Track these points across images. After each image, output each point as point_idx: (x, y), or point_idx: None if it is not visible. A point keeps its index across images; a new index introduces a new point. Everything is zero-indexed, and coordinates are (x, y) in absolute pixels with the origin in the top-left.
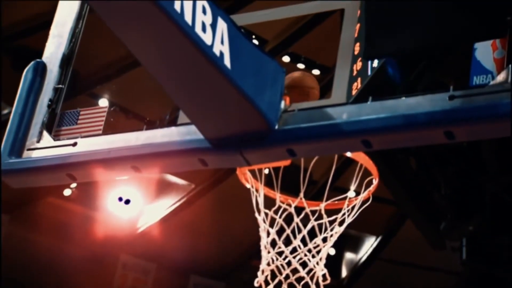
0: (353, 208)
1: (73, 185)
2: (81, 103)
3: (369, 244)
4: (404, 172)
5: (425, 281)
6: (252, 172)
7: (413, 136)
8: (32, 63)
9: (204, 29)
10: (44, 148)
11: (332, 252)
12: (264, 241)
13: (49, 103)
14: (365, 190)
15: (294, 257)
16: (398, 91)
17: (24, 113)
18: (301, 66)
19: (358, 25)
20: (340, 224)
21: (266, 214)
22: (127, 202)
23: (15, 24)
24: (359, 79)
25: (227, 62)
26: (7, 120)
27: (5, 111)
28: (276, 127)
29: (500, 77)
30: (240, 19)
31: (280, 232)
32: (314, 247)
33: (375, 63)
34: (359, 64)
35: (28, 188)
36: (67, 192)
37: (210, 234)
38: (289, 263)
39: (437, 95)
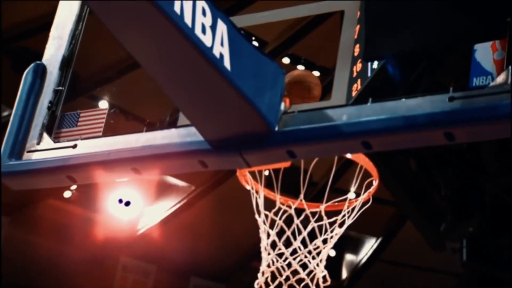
0: (353, 209)
1: (73, 187)
2: (81, 105)
3: (369, 245)
4: (404, 173)
5: (425, 282)
6: (252, 173)
7: (413, 137)
8: (32, 65)
9: (204, 30)
10: (44, 150)
11: (333, 253)
12: (264, 243)
13: (49, 105)
14: (365, 191)
15: (294, 259)
16: (398, 92)
17: (24, 115)
18: (301, 67)
19: (358, 26)
20: (340, 225)
21: (266, 216)
22: (127, 204)
23: (15, 26)
24: (359, 81)
25: (227, 63)
26: (7, 122)
27: (5, 113)
28: (276, 128)
29: (500, 79)
30: (240, 21)
31: (280, 233)
32: (314, 249)
33: (375, 64)
34: (359, 66)
35: (28, 190)
36: (67, 194)
37: (210, 236)
38: (289, 265)
39: (437, 96)
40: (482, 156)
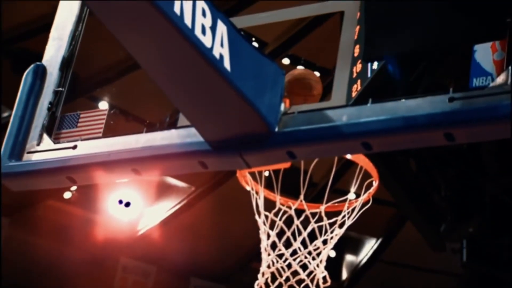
0: (353, 210)
1: (73, 188)
2: (81, 106)
3: (370, 246)
4: (404, 174)
5: (425, 283)
6: (252, 174)
7: (413, 138)
8: (32, 66)
9: (203, 31)
10: (44, 151)
11: (333, 254)
12: (264, 244)
13: (49, 106)
14: (365, 192)
15: (294, 260)
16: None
17: (24, 116)
18: (301, 68)
19: (358, 27)
20: (340, 226)
21: (266, 217)
22: (127, 204)
23: (15, 27)
24: (359, 81)
25: (226, 64)
26: (7, 123)
27: (5, 114)
28: (276, 129)
29: (500, 79)
30: (239, 22)
31: (280, 234)
32: (315, 249)
33: (375, 65)
34: (359, 66)
35: (28, 191)
36: (67, 195)
37: (210, 237)
38: (289, 266)
39: (437, 97)
40: (482, 156)
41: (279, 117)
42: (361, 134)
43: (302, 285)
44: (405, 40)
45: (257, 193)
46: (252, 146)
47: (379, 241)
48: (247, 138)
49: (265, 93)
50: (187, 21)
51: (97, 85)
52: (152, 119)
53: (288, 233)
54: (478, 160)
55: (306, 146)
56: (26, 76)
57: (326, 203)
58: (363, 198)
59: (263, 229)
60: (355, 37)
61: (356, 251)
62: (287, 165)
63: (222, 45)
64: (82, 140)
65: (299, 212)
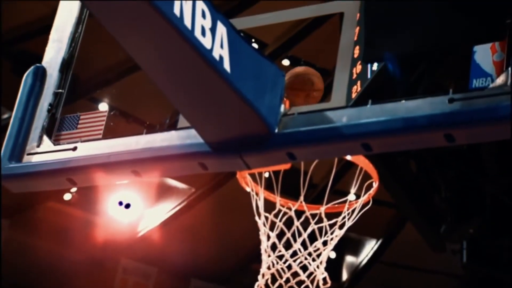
0: (353, 211)
1: (73, 189)
2: (81, 108)
3: (370, 247)
4: (404, 175)
5: (425, 283)
6: (252, 175)
7: (413, 139)
8: (32, 67)
9: (203, 33)
10: (44, 152)
11: (333, 255)
12: (265, 245)
13: (49, 107)
14: (365, 193)
15: (294, 261)
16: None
17: (24, 117)
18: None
19: (358, 28)
20: (341, 227)
21: (266, 218)
22: (127, 206)
23: (15, 29)
24: (358, 82)
25: (226, 66)
26: (7, 124)
27: (5, 116)
28: (276, 130)
29: (500, 80)
30: (239, 23)
31: (280, 235)
32: (315, 251)
33: (375, 66)
34: (358, 67)
35: (28, 192)
36: (67, 196)
37: (210, 238)
38: (289, 267)
39: (437, 98)
40: (482, 157)
41: (279, 118)
42: (361, 135)
43: (303, 286)
44: (405, 40)
45: (257, 194)
46: (252, 147)
47: (379, 242)
48: (247, 139)
49: (265, 94)
50: (187, 22)
51: (97, 87)
52: (152, 120)
53: (288, 234)
54: (478, 161)
55: (306, 147)
56: (26, 77)
57: (326, 204)
58: (363, 199)
59: (263, 230)
60: (355, 38)
61: (356, 252)
62: (287, 166)
63: (222, 46)
64: (82, 141)
65: (299, 213)
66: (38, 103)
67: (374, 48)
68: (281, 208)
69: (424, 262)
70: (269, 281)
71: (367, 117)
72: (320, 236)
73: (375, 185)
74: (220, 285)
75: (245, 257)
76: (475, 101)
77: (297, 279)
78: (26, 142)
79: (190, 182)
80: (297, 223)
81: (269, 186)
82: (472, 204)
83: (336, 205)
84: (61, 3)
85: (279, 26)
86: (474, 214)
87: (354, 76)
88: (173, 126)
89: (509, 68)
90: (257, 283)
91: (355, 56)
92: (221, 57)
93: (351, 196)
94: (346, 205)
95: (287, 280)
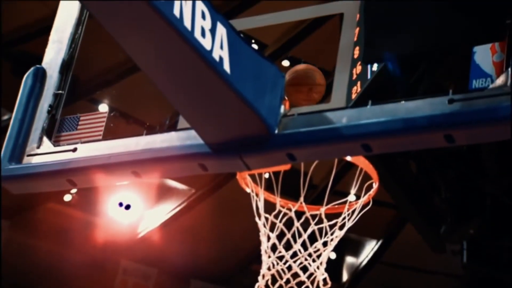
0: (353, 212)
1: (73, 190)
2: (81, 109)
3: (370, 247)
4: (404, 175)
5: (425, 284)
6: (252, 176)
7: (413, 139)
8: (32, 68)
9: (203, 34)
10: (44, 154)
11: (333, 256)
12: (265, 246)
13: (49, 108)
14: (365, 194)
15: (294, 262)
16: (398, 95)
17: (24, 119)
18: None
19: (357, 28)
20: (341, 228)
21: (266, 219)
22: (128, 207)
23: (15, 30)
24: (358, 83)
25: (226, 67)
26: (7, 126)
27: (5, 117)
28: (276, 131)
29: (500, 81)
30: (239, 24)
31: (280, 236)
32: (315, 251)
33: (375, 66)
34: (358, 68)
35: (28, 193)
36: (67, 197)
37: (210, 239)
38: (289, 268)
39: (437, 98)
40: (482, 158)
41: (279, 119)
42: (361, 136)
43: (303, 287)
44: (405, 40)
45: (257, 195)
46: (252, 148)
47: (379, 243)
48: (247, 140)
49: (265, 95)
50: (187, 23)
51: (97, 88)
52: (152, 121)
53: (288, 235)
54: (478, 162)
55: (306, 148)
56: (26, 79)
57: (326, 205)
58: (363, 200)
59: (263, 231)
60: (355, 38)
61: (356, 252)
62: (287, 167)
63: (221, 47)
64: (82, 142)
65: (299, 214)
66: (38, 104)
67: (374, 48)
68: (281, 209)
69: (424, 263)
70: (269, 282)
71: (367, 117)
72: (320, 236)
73: (375, 185)
74: (220, 286)
75: (245, 258)
76: (475, 101)
77: (297, 280)
78: (26, 143)
79: (190, 183)
80: (297, 224)
81: (269, 187)
82: (472, 205)
83: (336, 206)
84: (61, 4)
85: (279, 27)
86: (474, 215)
87: (354, 76)
88: (173, 127)
89: (509, 69)
90: (257, 284)
91: (355, 56)
92: (221, 58)
93: (351, 197)
94: (346, 206)
95: (287, 281)
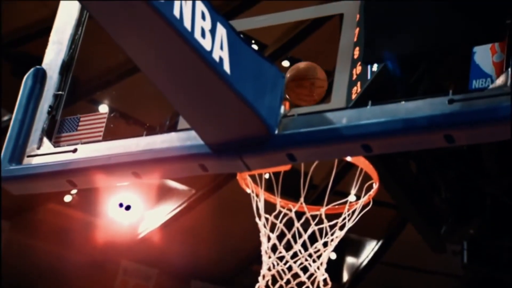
0: (353, 212)
1: (74, 191)
2: (81, 109)
3: (370, 248)
4: (404, 175)
5: (426, 284)
6: (253, 177)
7: (413, 140)
8: (32, 69)
9: (203, 34)
10: (44, 154)
11: (333, 256)
12: (265, 246)
13: (49, 109)
14: (365, 194)
15: (295, 262)
16: (398, 95)
17: (24, 119)
18: None
19: (357, 29)
20: (341, 228)
21: (267, 219)
22: (128, 208)
23: (15, 31)
24: (358, 83)
25: (226, 67)
26: (7, 126)
27: (5, 118)
28: (276, 132)
29: (499, 81)
30: (239, 24)
31: (280, 237)
32: (315, 252)
33: (375, 67)
34: (358, 68)
35: (28, 194)
36: (67, 198)
37: (210, 239)
38: (290, 268)
39: (437, 99)
40: (482, 158)
41: (279, 119)
42: (361, 136)
43: (303, 287)
44: (405, 40)
45: (257, 195)
46: (252, 149)
47: (379, 243)
48: (247, 140)
49: (265, 96)
50: (187, 24)
51: (97, 88)
52: (152, 122)
53: (289, 236)
54: (478, 162)
55: (306, 148)
56: (26, 79)
57: (327, 205)
58: (363, 200)
59: (264, 231)
60: (355, 39)
61: (356, 253)
62: (287, 167)
63: (221, 48)
64: (82, 143)
65: (299, 214)
66: (38, 105)
67: (374, 48)
68: (282, 209)
69: (425, 263)
70: (269, 283)
71: (367, 118)
72: (321, 237)
73: (375, 186)
74: (221, 286)
75: (246, 259)
76: (475, 102)
77: (298, 280)
78: (26, 144)
79: (191, 184)
80: (297, 224)
81: (269, 188)
82: (472, 205)
83: (337, 206)
84: (61, 5)
85: (279, 28)
86: (475, 215)
87: (354, 77)
88: (173, 128)
89: (509, 69)
90: (257, 285)
91: (355, 57)
92: (221, 59)
93: (352, 197)
94: (347, 206)
95: (288, 282)
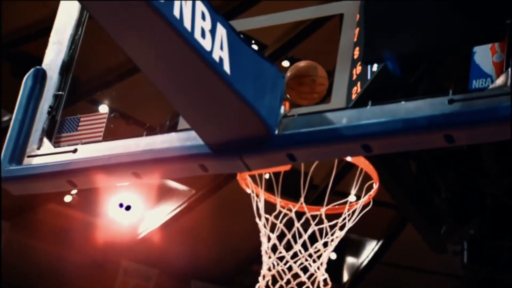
0: (353, 212)
1: (74, 191)
2: (81, 110)
3: (370, 248)
4: (404, 176)
5: (426, 284)
6: (253, 177)
7: (413, 140)
8: (32, 70)
9: (203, 35)
10: (44, 155)
11: (333, 256)
12: (265, 246)
13: (49, 109)
14: (365, 194)
15: (295, 262)
16: (398, 95)
17: (24, 120)
18: None
19: (357, 29)
20: (341, 228)
21: (267, 219)
22: (128, 208)
23: (15, 31)
24: (358, 83)
25: (226, 67)
26: (8, 127)
27: (5, 118)
28: (276, 132)
29: (499, 81)
30: (239, 24)
31: (280, 237)
32: (315, 252)
33: (375, 67)
34: (358, 69)
35: (28, 194)
36: (67, 198)
37: (210, 240)
38: (290, 268)
39: (437, 99)
40: (482, 158)
41: (279, 119)
42: (361, 136)
43: (303, 287)
44: (405, 40)
45: (257, 195)
46: (252, 149)
47: (380, 243)
48: (247, 141)
49: (265, 96)
50: (187, 24)
51: (97, 89)
52: (152, 122)
53: (289, 236)
54: (478, 162)
55: (306, 148)
56: (26, 80)
57: (327, 205)
58: (363, 200)
59: (264, 231)
60: (355, 39)
61: (357, 253)
62: (287, 167)
63: (221, 48)
64: (82, 143)
65: (299, 214)
66: (38, 105)
67: (374, 48)
68: (282, 209)
69: (425, 263)
70: (269, 283)
71: (367, 118)
72: (321, 237)
73: (376, 186)
74: (221, 286)
75: (246, 259)
76: (475, 102)
77: (298, 280)
78: (26, 144)
79: (191, 184)
80: (297, 224)
81: (269, 188)
82: (472, 205)
83: (337, 206)
84: (61, 5)
85: (279, 28)
86: (475, 215)
87: (354, 77)
88: (173, 128)
89: (509, 69)
90: (257, 285)
91: (355, 57)
92: (221, 59)
93: (352, 197)
94: (347, 206)
95: (288, 282)
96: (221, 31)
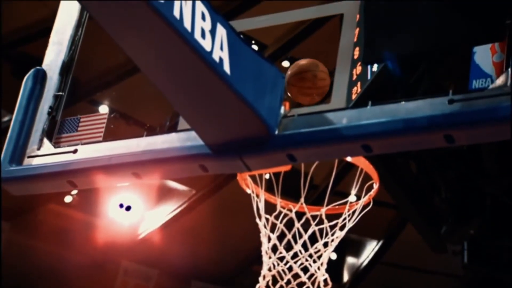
0: (354, 212)
1: (74, 192)
2: (81, 110)
3: (371, 248)
4: (405, 176)
5: (426, 284)
6: (253, 177)
7: (413, 140)
8: (32, 70)
9: (203, 35)
10: (44, 155)
11: (334, 256)
12: (265, 247)
13: (49, 110)
14: (365, 194)
15: (295, 262)
16: (398, 95)
17: (25, 120)
18: None
19: (357, 29)
20: (341, 228)
21: (267, 220)
22: (128, 208)
23: (15, 31)
24: (358, 84)
25: (226, 68)
26: (8, 127)
27: (6, 119)
28: (276, 132)
29: (499, 81)
30: (239, 25)
31: (281, 237)
32: (315, 252)
33: (375, 67)
34: (358, 69)
35: (28, 195)
36: (68, 198)
37: (211, 240)
38: (290, 268)
39: (437, 99)
40: (482, 158)
41: (279, 119)
42: (361, 136)
43: (303, 287)
44: (405, 40)
45: (257, 196)
46: (253, 149)
47: (380, 243)
48: (247, 141)
49: (265, 96)
50: (187, 24)
51: (97, 89)
52: (152, 122)
53: (289, 236)
54: (478, 162)
55: (306, 148)
56: (26, 80)
57: (327, 205)
58: (363, 200)
59: (264, 232)
60: (355, 39)
61: (357, 253)
62: (287, 167)
63: (221, 48)
64: (82, 144)
65: (299, 214)
66: (38, 105)
67: (374, 48)
68: (282, 209)
69: (425, 263)
70: (270, 283)
71: (367, 118)
72: (321, 237)
73: (376, 186)
74: (221, 286)
75: (246, 259)
76: (475, 102)
77: (298, 280)
78: (26, 145)
79: (191, 184)
80: (297, 224)
81: (269, 188)
82: (473, 205)
83: (337, 207)
84: (61, 5)
85: (279, 28)
86: (475, 215)
87: (354, 77)
88: (173, 128)
89: (509, 69)
90: (258, 285)
91: (355, 57)
92: (221, 59)
93: (352, 197)
94: (347, 207)
95: (288, 282)
96: (221, 31)
